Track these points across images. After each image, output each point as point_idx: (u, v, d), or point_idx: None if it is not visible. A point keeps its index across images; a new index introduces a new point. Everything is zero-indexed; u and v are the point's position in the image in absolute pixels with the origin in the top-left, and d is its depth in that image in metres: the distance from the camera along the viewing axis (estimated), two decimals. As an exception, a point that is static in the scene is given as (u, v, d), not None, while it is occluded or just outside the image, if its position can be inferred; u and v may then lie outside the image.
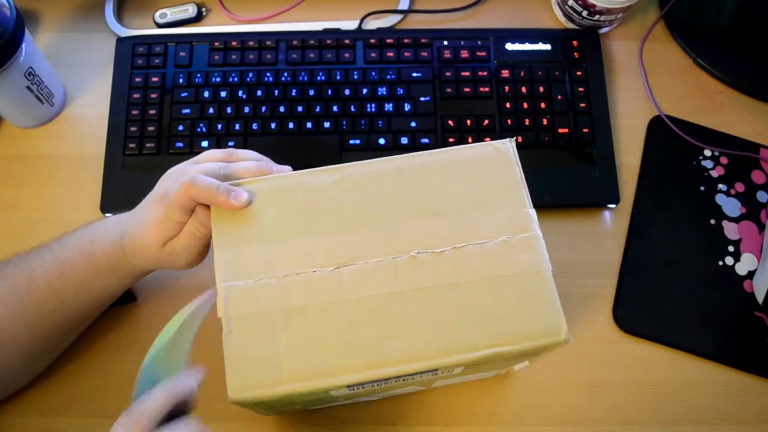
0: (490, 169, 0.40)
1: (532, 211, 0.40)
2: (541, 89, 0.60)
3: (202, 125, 0.58)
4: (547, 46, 0.62)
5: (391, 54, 0.61)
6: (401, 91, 0.59)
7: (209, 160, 0.43)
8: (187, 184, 0.39)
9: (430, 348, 0.36)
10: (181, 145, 0.58)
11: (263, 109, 0.59)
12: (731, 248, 0.56)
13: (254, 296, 0.37)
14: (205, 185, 0.39)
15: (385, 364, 0.35)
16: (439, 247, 0.38)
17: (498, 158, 0.41)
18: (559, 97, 0.60)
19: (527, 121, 0.59)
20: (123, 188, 0.57)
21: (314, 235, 0.38)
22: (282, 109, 0.59)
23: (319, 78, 0.60)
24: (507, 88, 0.60)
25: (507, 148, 0.41)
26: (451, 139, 0.58)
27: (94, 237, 0.45)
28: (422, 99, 0.59)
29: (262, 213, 0.39)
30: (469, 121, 0.58)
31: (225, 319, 0.36)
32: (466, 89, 0.60)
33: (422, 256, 0.38)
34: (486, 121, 0.58)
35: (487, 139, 0.58)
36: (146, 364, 0.38)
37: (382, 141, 0.58)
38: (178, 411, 0.36)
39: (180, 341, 0.38)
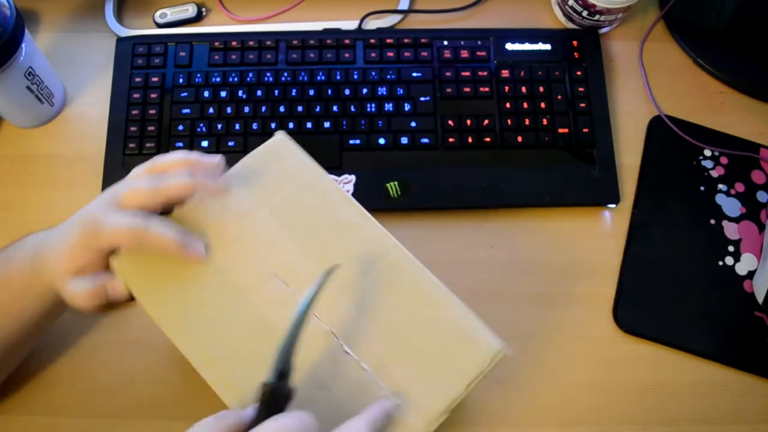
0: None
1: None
2: (541, 89, 0.60)
3: (202, 125, 0.58)
4: (547, 46, 0.62)
5: (391, 54, 0.61)
6: (401, 91, 0.59)
7: (138, 178, 0.40)
8: (141, 232, 0.37)
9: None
10: (181, 144, 0.58)
11: (263, 109, 0.59)
12: (731, 248, 0.56)
13: None
14: (162, 239, 0.38)
15: None
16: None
17: None
18: (559, 97, 0.60)
19: (527, 121, 0.59)
20: (123, 188, 0.57)
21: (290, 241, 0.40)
22: (282, 109, 0.59)
23: (319, 78, 0.60)
24: (507, 88, 0.60)
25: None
26: (451, 139, 0.58)
27: (11, 254, 0.42)
28: (422, 99, 0.59)
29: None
30: (469, 121, 0.58)
31: None
32: (466, 89, 0.60)
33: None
34: (486, 121, 0.58)
35: (488, 139, 0.58)
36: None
37: (382, 141, 0.58)
38: None
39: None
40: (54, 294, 0.41)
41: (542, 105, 0.59)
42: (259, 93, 0.59)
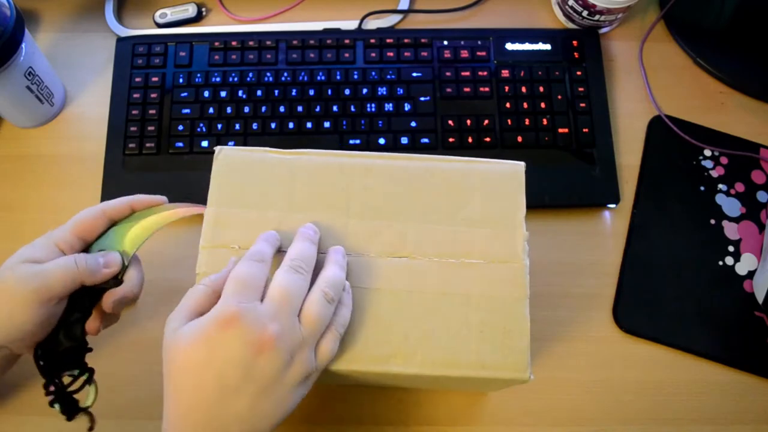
0: (499, 189, 0.41)
1: (526, 240, 0.41)
2: (541, 89, 0.60)
3: (202, 125, 0.58)
4: (547, 46, 0.62)
5: (391, 54, 0.61)
6: (401, 91, 0.59)
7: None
8: (75, 272, 0.39)
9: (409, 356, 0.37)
10: (181, 144, 0.58)
11: (263, 109, 0.59)
12: (731, 248, 0.56)
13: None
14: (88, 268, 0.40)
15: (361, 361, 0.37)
16: (429, 256, 0.39)
17: (509, 180, 0.42)
18: (559, 97, 0.60)
19: (527, 121, 0.59)
20: (123, 188, 0.57)
21: (311, 212, 0.40)
22: (282, 109, 0.59)
23: (319, 78, 0.60)
24: (507, 88, 0.60)
25: (520, 171, 0.42)
26: (451, 139, 0.58)
27: None
28: (422, 99, 0.59)
29: (266, 182, 0.40)
30: (469, 121, 0.58)
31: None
32: (466, 89, 0.60)
33: (414, 261, 0.39)
34: (486, 121, 0.58)
35: (488, 139, 0.58)
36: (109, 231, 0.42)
37: (382, 141, 0.58)
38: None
39: (143, 230, 0.42)
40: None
41: (542, 105, 0.59)
42: (259, 93, 0.59)
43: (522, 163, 0.42)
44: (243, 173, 0.40)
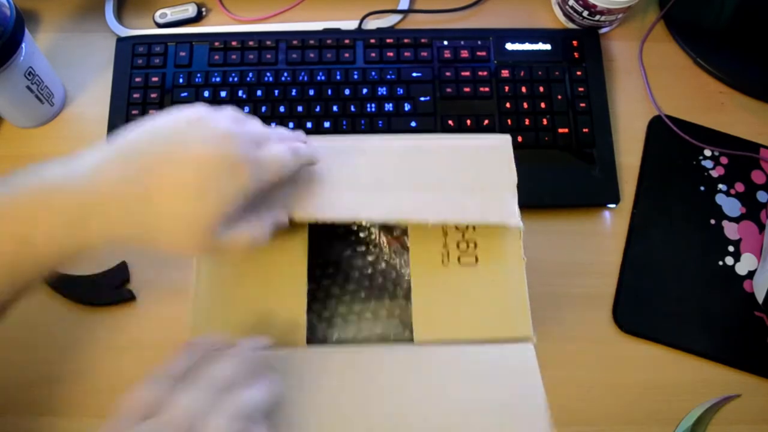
0: (489, 160, 0.41)
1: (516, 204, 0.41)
2: (541, 89, 0.60)
3: (202, 125, 0.58)
4: (547, 46, 0.62)
5: (391, 54, 0.61)
6: (401, 91, 0.59)
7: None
8: (297, 156, 0.38)
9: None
10: (181, 145, 0.58)
11: (263, 109, 0.59)
12: (731, 248, 0.56)
13: None
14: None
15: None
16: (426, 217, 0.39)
17: (497, 151, 0.42)
18: (559, 97, 0.59)
19: (527, 121, 0.59)
20: (123, 188, 0.57)
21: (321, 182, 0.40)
22: (282, 109, 0.59)
23: (319, 78, 0.60)
24: (507, 88, 0.60)
25: (507, 143, 0.42)
26: (451, 139, 0.58)
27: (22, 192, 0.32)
28: (422, 99, 0.59)
29: None
30: (469, 121, 0.58)
31: None
32: (466, 89, 0.60)
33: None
34: (486, 121, 0.58)
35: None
36: None
37: (382, 141, 0.58)
38: None
39: None
40: (97, 243, 0.33)
41: (542, 105, 0.59)
42: (259, 93, 0.59)
43: (508, 136, 0.43)
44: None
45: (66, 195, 0.32)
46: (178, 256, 0.36)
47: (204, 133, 0.33)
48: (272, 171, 0.36)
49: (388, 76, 0.60)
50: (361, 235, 0.45)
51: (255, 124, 0.38)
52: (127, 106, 0.59)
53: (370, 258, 0.44)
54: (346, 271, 0.42)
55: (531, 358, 0.37)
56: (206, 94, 0.59)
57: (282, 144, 0.38)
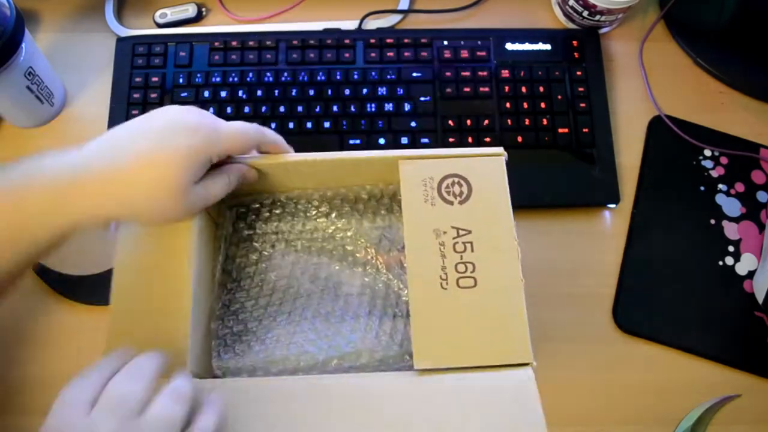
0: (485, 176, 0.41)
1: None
2: (541, 89, 0.60)
3: (202, 125, 0.58)
4: (547, 46, 0.62)
5: (391, 54, 0.61)
6: (401, 91, 0.59)
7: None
8: (259, 135, 0.41)
9: None
10: (181, 145, 0.58)
11: (263, 109, 0.59)
12: (731, 248, 0.56)
13: None
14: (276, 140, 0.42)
15: None
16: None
17: (492, 169, 0.41)
18: (559, 97, 0.59)
19: (527, 121, 0.59)
20: (123, 188, 0.57)
21: None
22: (282, 109, 0.59)
23: (319, 78, 0.60)
24: (507, 88, 0.60)
25: (501, 160, 0.42)
26: (451, 139, 0.58)
27: (36, 171, 0.35)
28: (422, 99, 0.59)
29: None
30: (469, 121, 0.58)
31: None
32: (466, 89, 0.59)
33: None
34: (486, 121, 0.58)
35: (488, 139, 0.58)
36: None
37: (382, 141, 0.58)
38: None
39: None
40: (87, 223, 0.36)
41: (542, 105, 0.59)
42: (259, 93, 0.59)
43: (501, 150, 0.42)
44: None
45: (50, 177, 0.35)
46: (162, 221, 0.39)
47: (166, 110, 0.39)
48: (231, 139, 0.39)
49: (388, 76, 0.60)
50: (358, 255, 0.45)
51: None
52: (127, 106, 0.59)
53: (366, 279, 0.44)
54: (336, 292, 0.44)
55: (531, 386, 0.36)
56: (206, 94, 0.59)
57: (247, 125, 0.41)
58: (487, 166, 0.41)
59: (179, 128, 0.37)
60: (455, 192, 0.40)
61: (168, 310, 0.39)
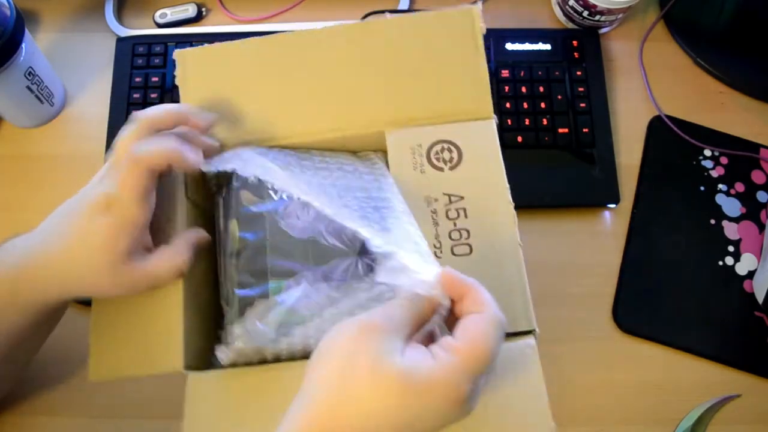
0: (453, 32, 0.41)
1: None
2: (541, 89, 0.60)
3: (202, 125, 0.58)
4: (547, 46, 0.62)
5: (391, 54, 0.61)
6: (401, 91, 0.59)
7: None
8: (135, 159, 0.34)
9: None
10: (181, 145, 0.58)
11: (263, 109, 0.58)
12: (731, 248, 0.56)
13: None
14: (158, 148, 0.35)
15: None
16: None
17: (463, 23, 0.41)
18: (559, 97, 0.59)
19: (527, 121, 0.59)
20: (123, 188, 0.57)
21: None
22: (282, 109, 0.59)
23: (319, 78, 0.60)
24: (507, 88, 0.60)
25: (474, 12, 0.41)
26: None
27: None
28: (422, 99, 0.59)
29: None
30: (469, 121, 0.58)
31: None
32: (466, 89, 0.59)
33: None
34: (486, 121, 0.58)
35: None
36: None
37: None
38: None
39: None
40: (44, 306, 0.38)
41: (542, 105, 0.59)
42: (259, 93, 0.59)
43: (476, 6, 0.41)
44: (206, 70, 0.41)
45: (7, 263, 0.37)
46: (106, 296, 0.38)
47: (87, 190, 0.38)
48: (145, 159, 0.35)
49: (388, 76, 0.60)
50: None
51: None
52: (127, 106, 0.59)
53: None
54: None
55: (533, 356, 0.35)
56: (206, 94, 0.59)
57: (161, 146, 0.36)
58: (477, 130, 0.40)
59: (92, 207, 0.36)
60: (445, 158, 0.39)
61: (156, 302, 0.38)
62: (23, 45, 0.53)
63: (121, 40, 0.62)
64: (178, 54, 0.41)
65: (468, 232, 0.37)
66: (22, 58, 0.53)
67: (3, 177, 0.59)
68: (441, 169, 0.39)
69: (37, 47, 0.57)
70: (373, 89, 0.41)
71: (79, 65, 0.63)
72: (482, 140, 0.40)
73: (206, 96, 0.41)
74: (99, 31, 0.65)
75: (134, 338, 0.37)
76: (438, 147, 0.40)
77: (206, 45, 0.42)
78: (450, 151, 0.39)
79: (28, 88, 0.56)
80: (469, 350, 0.28)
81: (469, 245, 0.37)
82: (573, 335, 0.53)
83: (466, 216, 0.38)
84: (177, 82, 0.41)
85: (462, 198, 0.38)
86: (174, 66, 0.60)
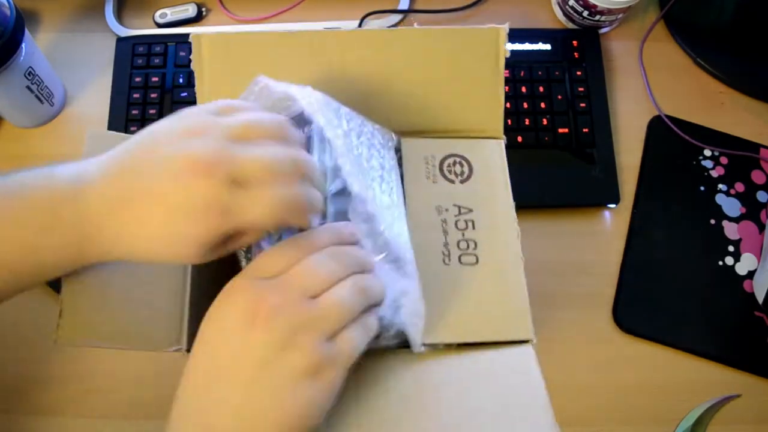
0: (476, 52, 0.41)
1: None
2: (541, 89, 0.60)
3: (202, 125, 0.58)
4: (547, 46, 0.62)
5: (391, 54, 0.61)
6: (401, 91, 0.59)
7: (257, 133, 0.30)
8: (294, 205, 0.29)
9: None
10: (181, 145, 0.58)
11: (263, 109, 0.59)
12: (731, 248, 0.56)
13: None
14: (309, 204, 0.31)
15: None
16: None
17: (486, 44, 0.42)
18: (559, 97, 0.59)
19: (527, 121, 0.59)
20: (123, 188, 0.57)
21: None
22: (282, 109, 0.59)
23: (319, 78, 0.60)
24: (507, 88, 0.59)
25: (501, 33, 0.42)
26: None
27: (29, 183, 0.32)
28: (422, 99, 0.59)
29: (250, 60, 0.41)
30: (469, 121, 0.58)
31: None
32: (466, 89, 0.59)
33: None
34: (486, 121, 0.58)
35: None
36: None
37: (382, 141, 0.58)
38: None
39: None
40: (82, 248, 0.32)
41: (542, 105, 0.59)
42: (259, 93, 0.59)
43: (504, 26, 0.42)
44: (223, 57, 0.40)
45: (72, 213, 0.31)
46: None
47: (177, 162, 0.29)
48: (259, 211, 0.29)
49: (388, 76, 0.60)
50: None
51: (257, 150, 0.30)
52: (127, 106, 0.59)
53: None
54: None
55: (532, 360, 0.36)
56: (206, 94, 0.59)
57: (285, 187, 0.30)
58: (487, 148, 0.42)
59: (184, 212, 0.28)
60: (456, 171, 0.41)
61: (158, 284, 0.37)
62: (23, 45, 0.53)
63: (121, 40, 0.62)
64: (194, 37, 0.40)
65: (475, 243, 0.39)
66: (22, 58, 0.53)
67: (3, 177, 0.59)
68: (452, 182, 0.40)
69: (37, 47, 0.57)
70: (391, 96, 0.42)
71: (79, 65, 0.63)
72: (492, 158, 0.41)
73: (222, 84, 0.41)
74: (99, 31, 0.65)
75: (125, 313, 0.37)
76: (450, 160, 0.41)
77: (223, 32, 0.41)
78: (461, 165, 0.41)
79: (28, 88, 0.56)
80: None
81: (476, 256, 0.39)
82: (573, 335, 0.53)
83: (474, 228, 0.39)
84: (193, 66, 0.40)
85: (471, 210, 0.40)
86: (174, 65, 0.61)
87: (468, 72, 0.42)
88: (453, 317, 0.37)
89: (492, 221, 0.40)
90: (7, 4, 0.51)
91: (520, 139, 0.58)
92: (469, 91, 0.42)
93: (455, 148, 0.41)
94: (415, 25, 0.43)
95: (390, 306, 0.34)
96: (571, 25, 0.64)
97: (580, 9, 0.61)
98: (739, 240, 0.56)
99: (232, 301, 0.29)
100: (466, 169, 0.41)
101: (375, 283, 0.32)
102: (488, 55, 0.42)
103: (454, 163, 0.41)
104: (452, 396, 0.36)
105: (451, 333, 0.37)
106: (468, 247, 0.39)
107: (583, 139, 0.58)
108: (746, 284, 0.55)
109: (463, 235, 0.39)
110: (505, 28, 0.41)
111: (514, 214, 0.40)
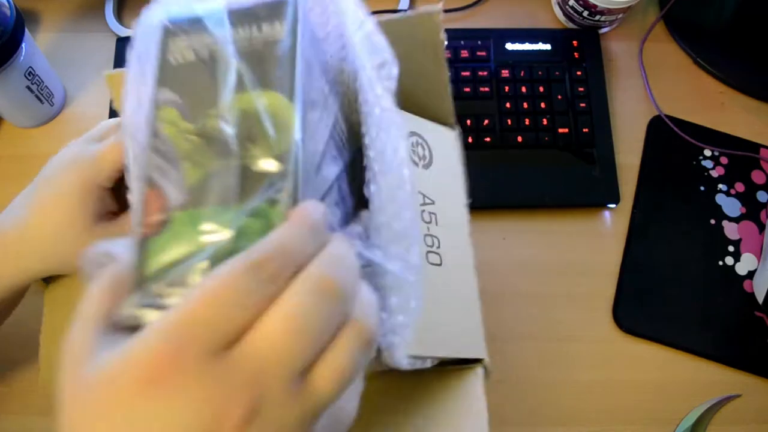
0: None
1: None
2: (541, 89, 0.60)
3: (202, 125, 0.58)
4: (547, 46, 0.62)
5: (391, 54, 0.61)
6: (401, 91, 0.59)
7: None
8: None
9: None
10: (181, 145, 0.58)
11: (263, 109, 0.58)
12: (731, 248, 0.56)
13: None
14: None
15: None
16: None
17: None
18: (559, 97, 0.59)
19: (527, 121, 0.59)
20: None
21: None
22: (282, 109, 0.58)
23: (319, 78, 0.60)
24: (507, 88, 0.60)
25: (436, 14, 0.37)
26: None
27: None
28: (422, 99, 0.59)
29: None
30: (469, 121, 0.58)
31: None
32: (466, 89, 0.59)
33: None
34: (486, 121, 0.58)
35: (488, 139, 0.58)
36: None
37: (382, 141, 0.58)
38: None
39: None
40: (24, 281, 0.37)
41: (542, 105, 0.59)
42: (259, 93, 0.59)
43: (438, 8, 0.38)
44: None
45: None
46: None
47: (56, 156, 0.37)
48: (110, 153, 0.36)
49: (388, 76, 0.60)
50: None
51: None
52: (127, 106, 0.59)
53: None
54: None
55: (479, 385, 0.32)
56: (206, 94, 0.59)
57: None
58: (444, 135, 0.39)
59: (57, 169, 0.36)
60: (419, 153, 0.36)
61: None
62: (23, 45, 0.53)
63: (121, 40, 0.62)
64: (109, 78, 0.38)
65: (438, 241, 0.33)
66: (22, 58, 0.53)
67: (3, 177, 0.59)
68: (416, 164, 0.36)
69: (37, 47, 0.57)
70: None
71: (79, 65, 0.63)
72: (448, 147, 0.38)
73: None
74: (99, 31, 0.65)
75: None
76: (413, 139, 0.37)
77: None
78: (423, 147, 0.37)
79: (28, 88, 0.56)
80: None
81: (439, 255, 0.33)
82: (573, 335, 0.53)
83: (436, 224, 0.34)
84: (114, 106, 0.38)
85: (433, 202, 0.35)
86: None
87: (412, 60, 0.38)
88: (419, 324, 0.33)
89: (451, 219, 0.35)
90: (7, 4, 0.51)
91: (520, 139, 0.58)
92: (417, 74, 0.38)
93: (417, 127, 0.37)
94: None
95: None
96: (571, 25, 0.64)
97: (580, 9, 0.61)
98: (739, 240, 0.56)
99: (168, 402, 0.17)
100: (427, 153, 0.36)
101: (376, 327, 0.21)
102: (426, 42, 0.39)
103: (417, 143, 0.36)
104: (396, 423, 0.33)
105: (415, 344, 0.30)
106: (433, 244, 0.33)
107: (583, 139, 0.58)
108: (746, 284, 0.55)
109: (428, 229, 0.33)
110: (439, 10, 0.37)
111: (469, 215, 0.36)
